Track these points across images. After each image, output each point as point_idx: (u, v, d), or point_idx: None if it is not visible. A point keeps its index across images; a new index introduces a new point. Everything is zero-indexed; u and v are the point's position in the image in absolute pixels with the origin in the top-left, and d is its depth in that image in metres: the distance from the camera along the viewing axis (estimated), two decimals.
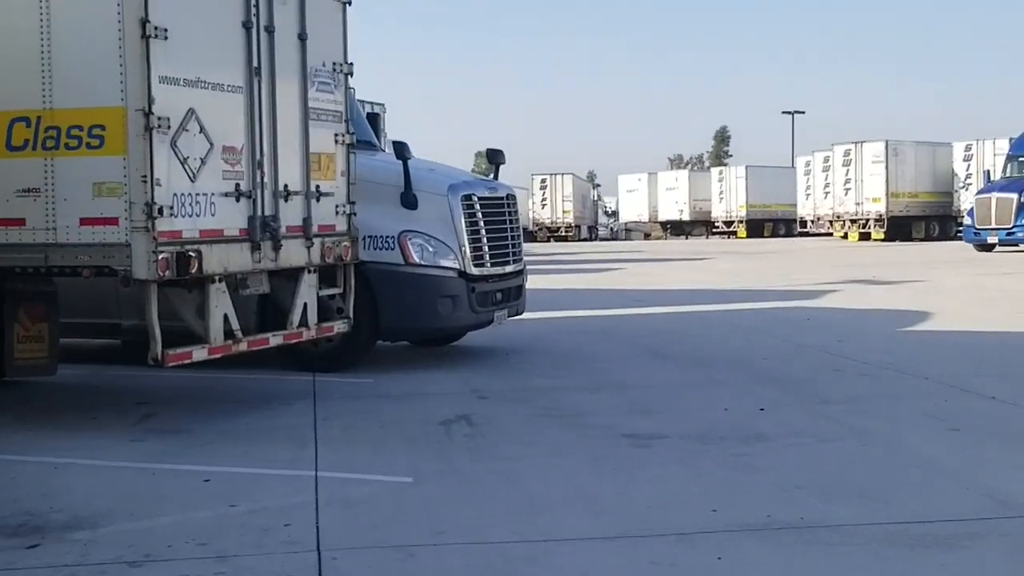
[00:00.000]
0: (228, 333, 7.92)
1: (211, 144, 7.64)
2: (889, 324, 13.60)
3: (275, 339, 8.53)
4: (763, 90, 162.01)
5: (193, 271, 7.41)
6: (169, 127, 7.23)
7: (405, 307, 10.16)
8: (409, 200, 10.31)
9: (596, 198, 78.42)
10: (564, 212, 68.11)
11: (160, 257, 7.12)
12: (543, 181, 68.19)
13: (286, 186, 8.45)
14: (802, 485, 5.92)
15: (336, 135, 9.13)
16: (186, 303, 7.84)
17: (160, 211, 7.13)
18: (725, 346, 11.85)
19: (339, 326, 9.29)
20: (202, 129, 7.56)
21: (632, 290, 20.30)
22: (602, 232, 74.09)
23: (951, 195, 49.21)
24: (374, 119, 12.40)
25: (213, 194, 7.69)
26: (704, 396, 8.80)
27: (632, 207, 70.92)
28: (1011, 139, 46.52)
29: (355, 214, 9.34)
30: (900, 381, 9.32)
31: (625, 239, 68.38)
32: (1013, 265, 25.80)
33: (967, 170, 48.64)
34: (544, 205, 67.98)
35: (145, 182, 7.09)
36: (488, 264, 10.65)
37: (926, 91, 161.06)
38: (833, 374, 9.74)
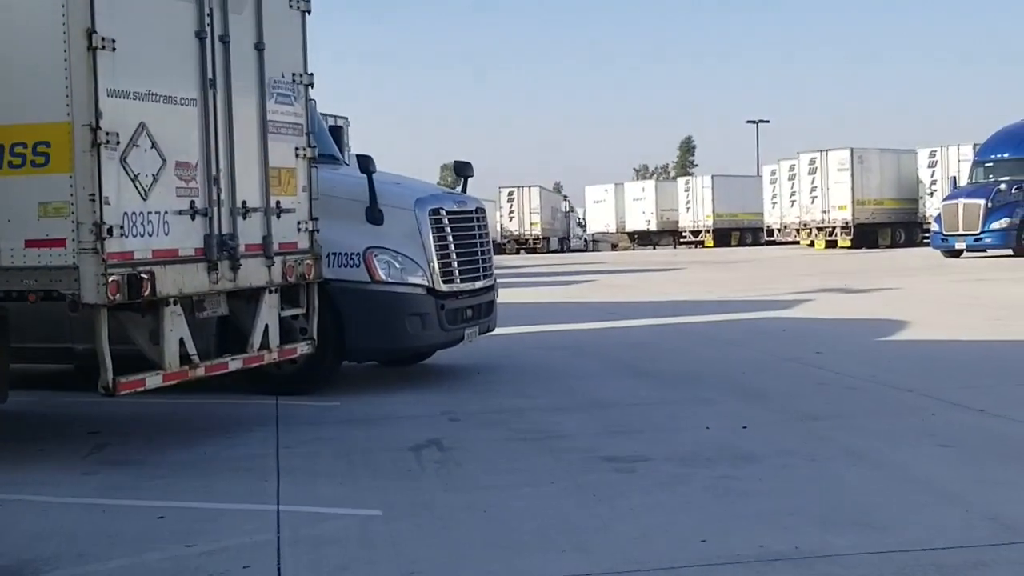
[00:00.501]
0: (184, 358, 7.51)
1: (163, 160, 7.24)
2: (866, 334, 13.34)
3: (235, 363, 8.11)
4: (727, 100, 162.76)
5: (146, 294, 7.00)
6: (118, 143, 6.83)
7: (372, 326, 9.77)
8: (375, 215, 9.93)
9: (569, 209, 78.31)
10: (532, 224, 68.19)
11: (110, 280, 6.71)
12: (510, 193, 68.38)
13: (244, 203, 8.06)
14: (795, 511, 5.58)
15: (297, 149, 8.75)
16: (139, 328, 7.42)
17: (109, 231, 6.72)
18: (703, 360, 11.53)
19: (302, 348, 8.89)
20: (154, 144, 7.16)
21: (604, 303, 19.98)
22: (576, 243, 73.82)
23: (916, 202, 49.36)
24: (337, 132, 12.01)
25: (166, 212, 7.28)
26: (685, 414, 8.46)
27: (599, 218, 70.83)
28: (975, 145, 46.82)
29: (318, 231, 8.96)
30: (885, 395, 9.03)
31: (592, 250, 68.17)
32: (982, 271, 25.71)
33: (932, 176, 48.80)
34: (512, 217, 68.10)
35: (93, 201, 6.68)
36: (458, 280, 10.28)
37: (889, 99, 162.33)
38: (816, 388, 9.43)
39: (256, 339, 8.30)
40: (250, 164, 8.19)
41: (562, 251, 68.30)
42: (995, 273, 24.46)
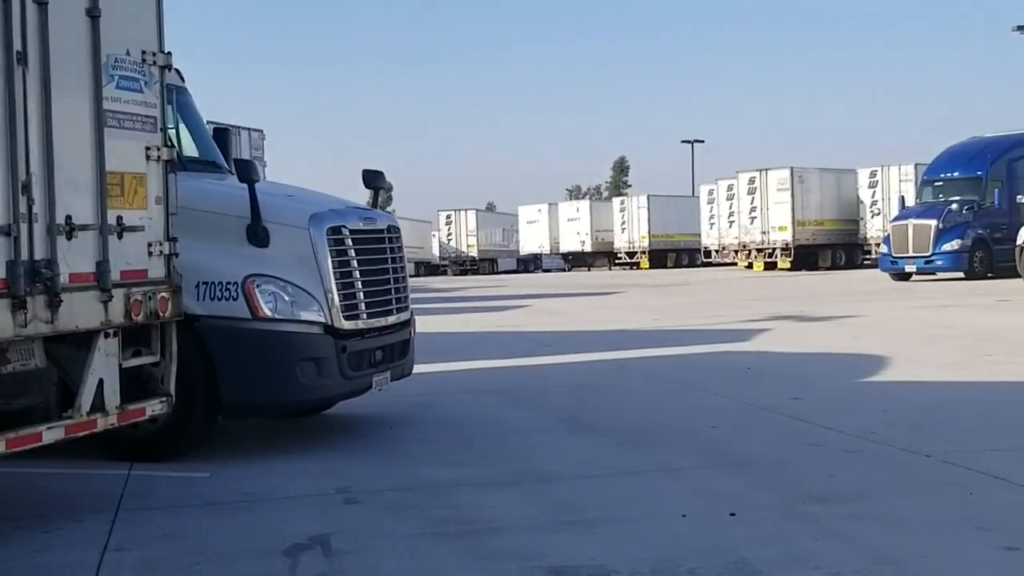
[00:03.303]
0: None
1: None
2: (845, 374, 11.55)
3: (52, 433, 6.03)
4: (661, 120, 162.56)
5: None
6: None
7: (253, 376, 7.75)
8: (258, 234, 7.92)
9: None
10: (468, 247, 70.06)
11: None
12: (448, 217, 70.74)
13: (69, 218, 6.01)
14: None
15: (148, 148, 6.71)
16: None
17: None
18: (661, 409, 9.62)
19: (154, 408, 6.82)
20: None
21: (541, 332, 18.03)
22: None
23: (857, 223, 48.28)
24: (223, 136, 9.93)
25: None
26: (651, 492, 6.54)
27: (533, 238, 69.24)
28: (916, 164, 45.99)
29: (177, 254, 6.93)
30: (897, 461, 7.18)
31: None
32: (941, 296, 24.23)
33: (872, 197, 47.83)
34: (449, 239, 70.31)
35: None
36: (364, 315, 8.29)
37: (825, 119, 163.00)
38: (808, 451, 7.57)
39: (85, 399, 6.23)
40: (78, 167, 6.16)
41: (495, 272, 67.56)
42: (956, 299, 22.98)
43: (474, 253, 69.79)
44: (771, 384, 10.91)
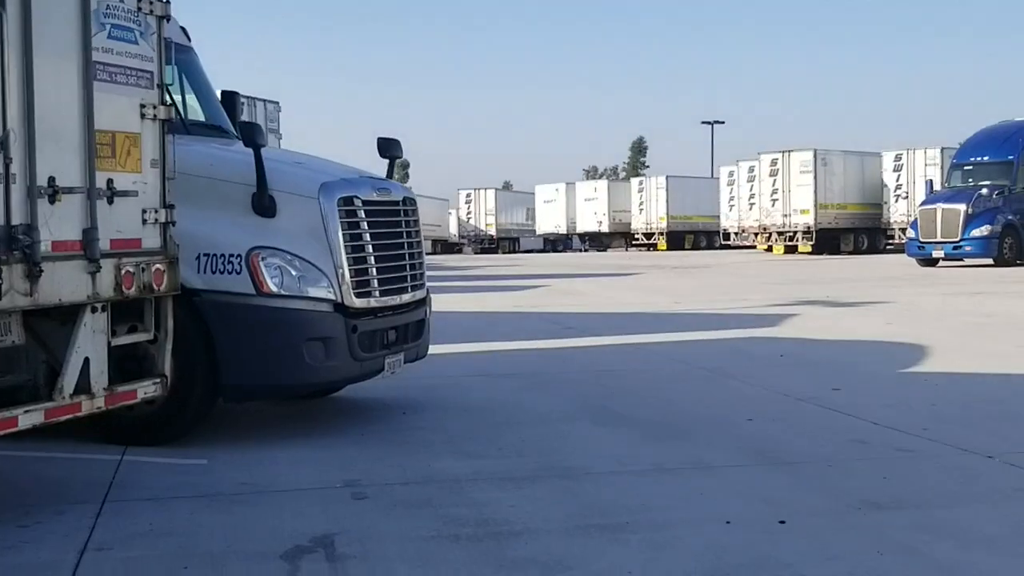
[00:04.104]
0: None
1: None
2: (884, 363, 10.92)
3: (29, 417, 5.46)
4: (680, 100, 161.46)
5: None
6: None
7: (256, 356, 7.18)
8: (264, 204, 7.33)
9: None
10: (487, 225, 70.74)
11: None
12: (468, 195, 71.67)
13: (52, 180, 5.45)
14: None
15: (143, 106, 6.13)
16: None
17: None
18: (693, 398, 9.01)
19: (146, 390, 6.26)
20: None
21: (561, 314, 17.41)
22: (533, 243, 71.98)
23: (880, 206, 47.44)
24: (230, 99, 9.33)
25: None
26: (689, 492, 5.94)
27: (549, 218, 68.59)
28: (943, 148, 45.18)
29: (174, 222, 6.35)
30: (959, 463, 6.56)
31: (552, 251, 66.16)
32: (972, 283, 23.51)
33: (897, 180, 46.95)
34: (469, 218, 71.22)
35: None
36: (376, 293, 7.71)
37: (847, 102, 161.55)
38: (857, 449, 6.96)
39: (69, 379, 5.68)
40: (63, 124, 5.59)
41: (515, 251, 67.43)
42: (987, 286, 22.25)
43: (493, 232, 70.01)
44: (807, 373, 10.30)
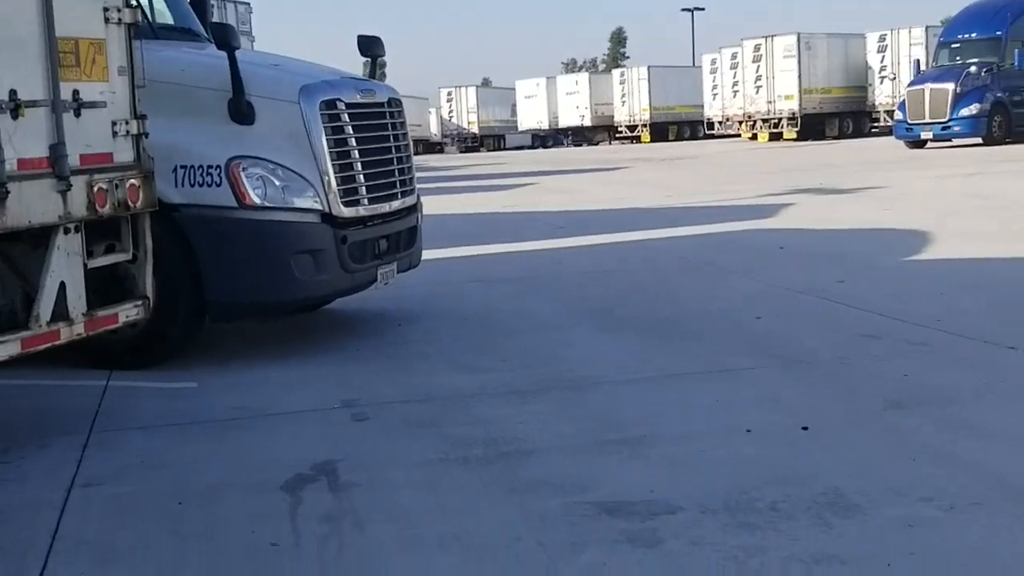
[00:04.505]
0: None
1: None
2: (885, 252, 10.65)
3: (5, 348, 5.12)
4: None
5: None
6: None
7: (242, 272, 6.84)
8: (241, 110, 6.92)
9: None
10: (469, 123, 69.37)
11: None
12: (449, 93, 70.05)
13: (13, 93, 5.04)
14: None
15: (106, 9, 5.68)
16: None
17: None
18: (696, 296, 8.73)
19: (128, 313, 5.93)
20: None
21: (551, 212, 17.03)
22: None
23: (865, 89, 46.85)
24: (200, 1, 8.82)
25: None
26: (704, 400, 5.68)
27: (531, 114, 67.67)
28: (928, 27, 44.46)
29: (147, 134, 5.95)
30: (980, 356, 6.31)
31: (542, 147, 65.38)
32: (963, 164, 23.16)
33: (882, 62, 46.24)
34: (451, 116, 69.85)
35: None
36: (365, 201, 7.35)
37: None
38: (870, 345, 6.70)
39: (45, 306, 5.33)
40: (21, 32, 5.15)
41: (499, 149, 66.54)
42: (979, 166, 21.92)
43: (475, 130, 69.18)
44: (808, 265, 10.02)
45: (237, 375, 6.70)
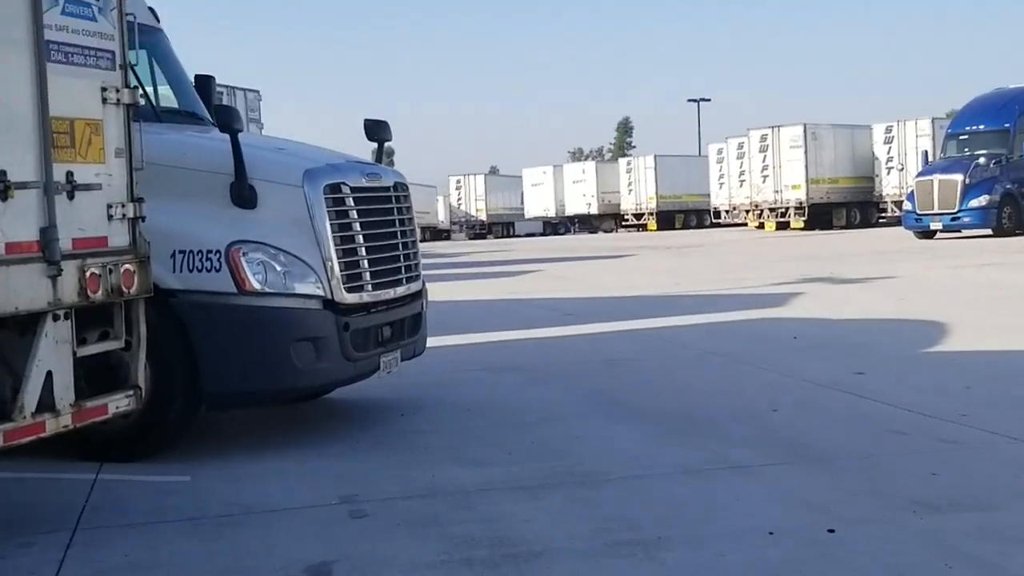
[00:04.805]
0: None
1: None
2: (904, 343, 10.37)
3: None
4: (665, 79, 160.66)
5: None
6: None
7: (240, 360, 6.60)
8: (243, 194, 6.74)
9: None
10: (477, 210, 70.72)
11: None
12: (458, 181, 71.74)
13: (3, 173, 4.86)
14: None
15: (104, 89, 5.53)
16: None
17: None
18: (709, 387, 8.45)
19: (118, 404, 5.66)
20: None
21: (558, 299, 16.82)
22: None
23: (872, 180, 46.91)
24: (205, 84, 8.68)
25: None
26: (722, 498, 5.38)
27: (538, 201, 67.97)
28: (934, 119, 44.68)
29: (144, 218, 5.76)
30: (1011, 454, 6.02)
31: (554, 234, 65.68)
32: (974, 255, 22.96)
33: (888, 153, 46.38)
34: (460, 204, 71.36)
35: None
36: (369, 287, 7.13)
37: (833, 76, 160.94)
38: (896, 441, 6.41)
39: (30, 396, 5.08)
40: (14, 111, 4.99)
41: (509, 236, 67.33)
42: (991, 257, 21.72)
43: (483, 217, 69.94)
44: (825, 356, 9.75)
45: (232, 467, 6.41)
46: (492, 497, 5.55)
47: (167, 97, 8.19)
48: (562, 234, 64.79)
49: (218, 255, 6.56)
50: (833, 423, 6.97)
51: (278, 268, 6.66)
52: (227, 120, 6.76)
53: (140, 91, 6.05)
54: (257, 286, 6.58)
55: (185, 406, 6.63)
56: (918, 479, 5.52)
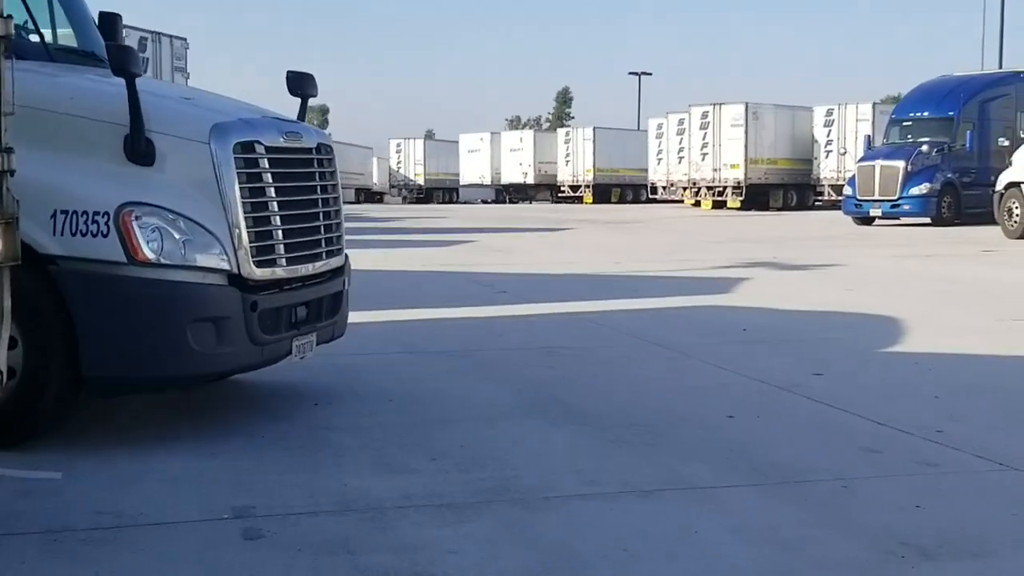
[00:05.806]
0: None
1: None
2: (861, 341, 9.73)
3: None
4: (607, 51, 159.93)
5: None
6: None
7: (128, 340, 5.71)
8: (139, 149, 5.82)
9: None
10: (416, 175, 71.01)
11: None
12: (398, 144, 72.10)
13: None
14: None
15: None
16: None
17: None
18: (658, 388, 7.68)
19: None
20: None
21: (493, 274, 15.97)
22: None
23: (811, 162, 46.73)
24: (110, 22, 7.66)
25: None
26: (676, 528, 4.63)
27: (473, 169, 67.05)
28: (875, 104, 44.55)
29: (13, 171, 4.84)
30: (999, 482, 5.36)
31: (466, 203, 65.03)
32: (917, 244, 22.61)
33: (828, 136, 46.22)
34: (399, 167, 71.75)
35: None
36: (282, 261, 6.28)
37: (777, 56, 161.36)
38: (870, 461, 5.71)
39: None
40: None
41: (448, 202, 67.23)
42: (934, 247, 21.35)
43: (421, 181, 69.51)
44: (778, 352, 9.07)
45: (111, 463, 5.54)
46: (413, 517, 4.75)
47: (68, 37, 7.25)
48: (515, 203, 63.88)
49: (106, 218, 5.65)
50: (796, 435, 6.27)
51: (176, 236, 5.77)
52: (122, 62, 5.81)
53: (14, 20, 5.11)
54: (151, 256, 5.69)
55: (62, 391, 5.72)
56: (901, 512, 4.82)
